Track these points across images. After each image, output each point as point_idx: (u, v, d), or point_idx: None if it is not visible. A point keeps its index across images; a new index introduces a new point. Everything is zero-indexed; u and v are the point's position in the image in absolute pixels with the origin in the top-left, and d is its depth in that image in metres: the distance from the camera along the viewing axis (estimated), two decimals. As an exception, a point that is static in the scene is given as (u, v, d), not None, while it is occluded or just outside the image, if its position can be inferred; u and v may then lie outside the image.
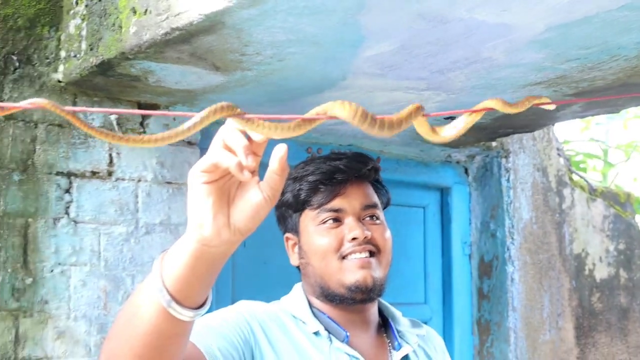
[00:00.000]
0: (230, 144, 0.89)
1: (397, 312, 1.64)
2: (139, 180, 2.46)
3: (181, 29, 1.79)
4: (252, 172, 0.89)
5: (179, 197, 2.52)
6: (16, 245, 2.21)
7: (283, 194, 1.58)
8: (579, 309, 3.72)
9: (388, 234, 1.57)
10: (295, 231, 1.59)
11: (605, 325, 3.84)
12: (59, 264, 2.28)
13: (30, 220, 2.24)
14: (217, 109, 0.87)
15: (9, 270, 2.19)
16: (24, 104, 0.89)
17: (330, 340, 1.47)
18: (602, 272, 3.87)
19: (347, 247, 1.50)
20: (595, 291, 3.82)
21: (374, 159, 1.62)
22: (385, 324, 1.61)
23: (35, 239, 2.24)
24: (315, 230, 1.53)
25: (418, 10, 1.67)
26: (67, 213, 2.31)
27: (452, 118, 1.10)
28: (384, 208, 1.64)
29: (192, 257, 0.95)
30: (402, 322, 1.61)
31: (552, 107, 1.24)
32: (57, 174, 2.30)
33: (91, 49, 2.13)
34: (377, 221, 1.56)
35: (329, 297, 1.52)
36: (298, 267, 1.62)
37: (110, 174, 2.40)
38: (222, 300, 2.52)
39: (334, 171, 1.54)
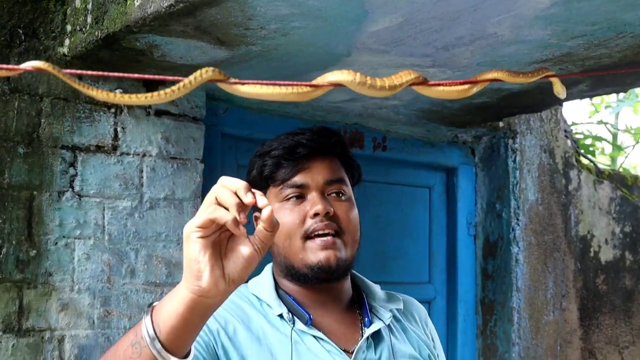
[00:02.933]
0: (224, 201, 0.99)
1: (374, 287, 1.60)
2: (144, 155, 2.46)
3: (185, 1, 1.78)
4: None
5: (184, 172, 2.53)
6: (20, 218, 2.22)
7: (250, 171, 1.55)
8: (584, 290, 3.72)
9: (354, 212, 1.52)
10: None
11: (609, 307, 3.84)
12: (63, 236, 2.29)
13: (35, 193, 2.25)
14: (204, 72, 0.91)
15: (14, 242, 2.20)
16: (24, 66, 0.90)
17: (294, 323, 1.44)
18: (607, 255, 3.86)
19: (310, 224, 1.45)
20: (600, 273, 3.81)
21: (339, 134, 1.57)
22: (360, 300, 1.57)
23: (39, 212, 2.26)
24: (278, 207, 1.48)
25: (422, -16, 1.66)
26: (71, 187, 2.32)
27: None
28: (355, 184, 1.59)
29: (188, 307, 1.02)
30: (377, 296, 1.57)
31: (562, 95, 1.22)
32: (62, 147, 2.31)
33: (96, 23, 2.13)
34: (343, 197, 1.50)
35: (294, 276, 1.49)
36: None
37: (115, 148, 2.41)
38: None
39: (296, 146, 1.49)
